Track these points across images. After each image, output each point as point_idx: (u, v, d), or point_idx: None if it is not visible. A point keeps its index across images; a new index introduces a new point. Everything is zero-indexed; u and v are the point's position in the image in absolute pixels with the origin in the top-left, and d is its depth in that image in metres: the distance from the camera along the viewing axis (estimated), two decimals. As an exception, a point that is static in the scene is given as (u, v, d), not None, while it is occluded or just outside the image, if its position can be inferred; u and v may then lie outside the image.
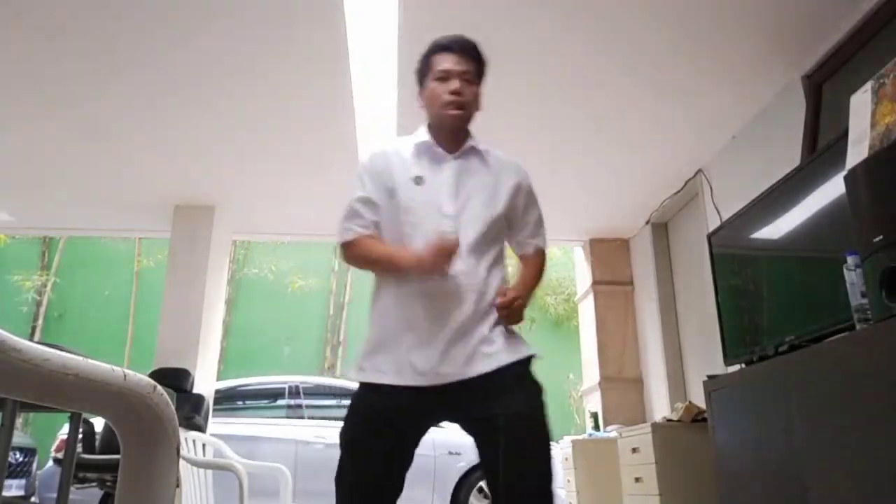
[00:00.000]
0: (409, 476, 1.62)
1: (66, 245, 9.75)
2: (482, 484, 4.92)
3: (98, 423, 3.65)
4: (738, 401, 2.47)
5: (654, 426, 3.35)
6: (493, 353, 1.60)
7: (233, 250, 8.80)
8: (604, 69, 3.16)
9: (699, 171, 4.08)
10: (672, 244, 4.76)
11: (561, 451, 4.46)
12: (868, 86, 1.93)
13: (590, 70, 3.17)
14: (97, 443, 3.46)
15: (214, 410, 4.60)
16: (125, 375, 0.65)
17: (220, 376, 5.51)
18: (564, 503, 4.31)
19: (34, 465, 5.37)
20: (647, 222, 4.86)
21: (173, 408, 0.69)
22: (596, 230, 5.12)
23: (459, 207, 1.69)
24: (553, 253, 8.41)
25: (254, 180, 4.36)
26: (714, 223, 3.60)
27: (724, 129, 3.68)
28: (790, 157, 2.97)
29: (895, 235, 1.63)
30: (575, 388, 8.04)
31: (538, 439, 1.56)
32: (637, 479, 3.43)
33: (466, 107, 1.75)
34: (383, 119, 3.50)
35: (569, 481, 4.29)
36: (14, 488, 4.98)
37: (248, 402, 5.60)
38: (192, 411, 3.80)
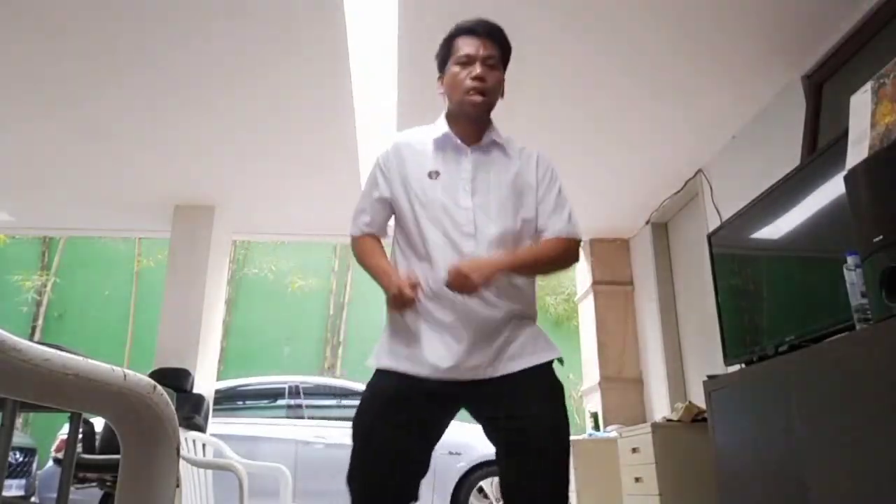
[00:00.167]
0: (409, 476, 1.61)
1: (66, 245, 9.74)
2: (482, 484, 4.92)
3: (98, 423, 3.65)
4: (738, 401, 2.47)
5: (654, 426, 3.35)
6: (518, 355, 1.58)
7: (233, 250, 8.80)
8: (604, 69, 3.16)
9: (699, 171, 4.08)
10: (672, 244, 4.76)
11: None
12: (868, 86, 1.93)
13: (590, 70, 3.17)
14: (97, 443, 3.46)
15: (214, 410, 4.60)
16: (125, 375, 0.65)
17: (220, 376, 5.51)
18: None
19: (34, 465, 5.38)
20: (647, 222, 4.86)
21: (173, 408, 0.69)
22: (596, 230, 5.11)
23: (479, 201, 1.63)
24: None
25: (254, 180, 4.36)
26: (714, 223, 3.60)
27: (724, 129, 3.68)
28: (790, 157, 2.96)
29: (895, 235, 1.63)
30: (575, 388, 8.02)
31: (561, 449, 1.54)
32: (637, 479, 3.43)
33: (489, 93, 1.67)
34: (383, 119, 3.50)
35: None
36: (14, 488, 4.99)
37: (248, 402, 5.59)
38: (192, 411, 3.80)
